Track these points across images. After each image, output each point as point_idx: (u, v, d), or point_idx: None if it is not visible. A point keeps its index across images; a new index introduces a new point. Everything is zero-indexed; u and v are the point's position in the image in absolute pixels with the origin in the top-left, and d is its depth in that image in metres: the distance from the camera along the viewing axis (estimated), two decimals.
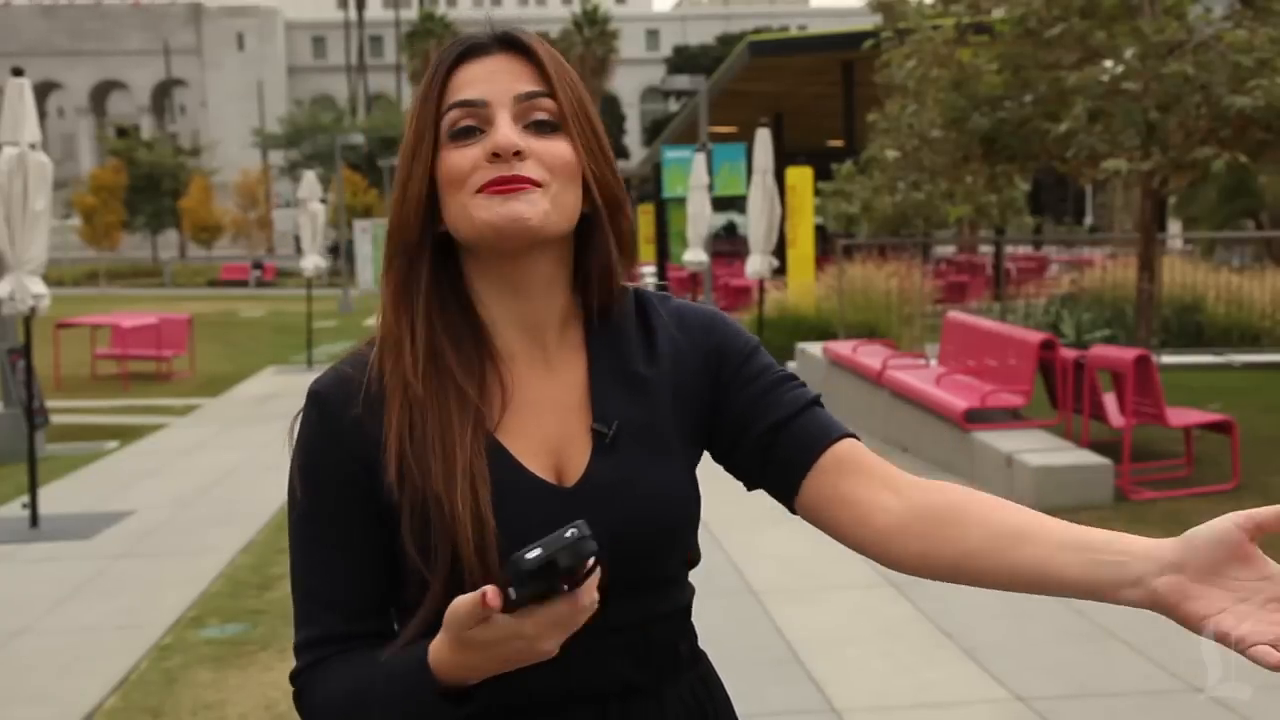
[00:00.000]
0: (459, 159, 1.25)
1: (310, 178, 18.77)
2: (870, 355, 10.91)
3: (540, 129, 1.26)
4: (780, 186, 15.14)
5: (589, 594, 1.09)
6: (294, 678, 1.27)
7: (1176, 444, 8.48)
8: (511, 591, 1.06)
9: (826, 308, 15.29)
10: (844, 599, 5.93)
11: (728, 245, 32.99)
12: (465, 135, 1.25)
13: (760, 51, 22.10)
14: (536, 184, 1.24)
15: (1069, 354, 8.71)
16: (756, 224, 13.80)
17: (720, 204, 20.56)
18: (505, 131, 1.23)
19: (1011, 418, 8.90)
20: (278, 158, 64.77)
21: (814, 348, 12.60)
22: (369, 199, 50.20)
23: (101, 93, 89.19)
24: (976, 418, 8.55)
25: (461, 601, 1.10)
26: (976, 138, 10.83)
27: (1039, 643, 5.27)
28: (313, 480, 1.26)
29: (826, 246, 24.64)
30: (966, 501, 1.23)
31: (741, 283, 22.32)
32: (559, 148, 1.26)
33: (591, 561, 1.07)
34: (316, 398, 1.28)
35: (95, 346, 16.93)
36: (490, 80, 1.26)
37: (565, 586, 1.07)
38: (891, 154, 13.45)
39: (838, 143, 24.49)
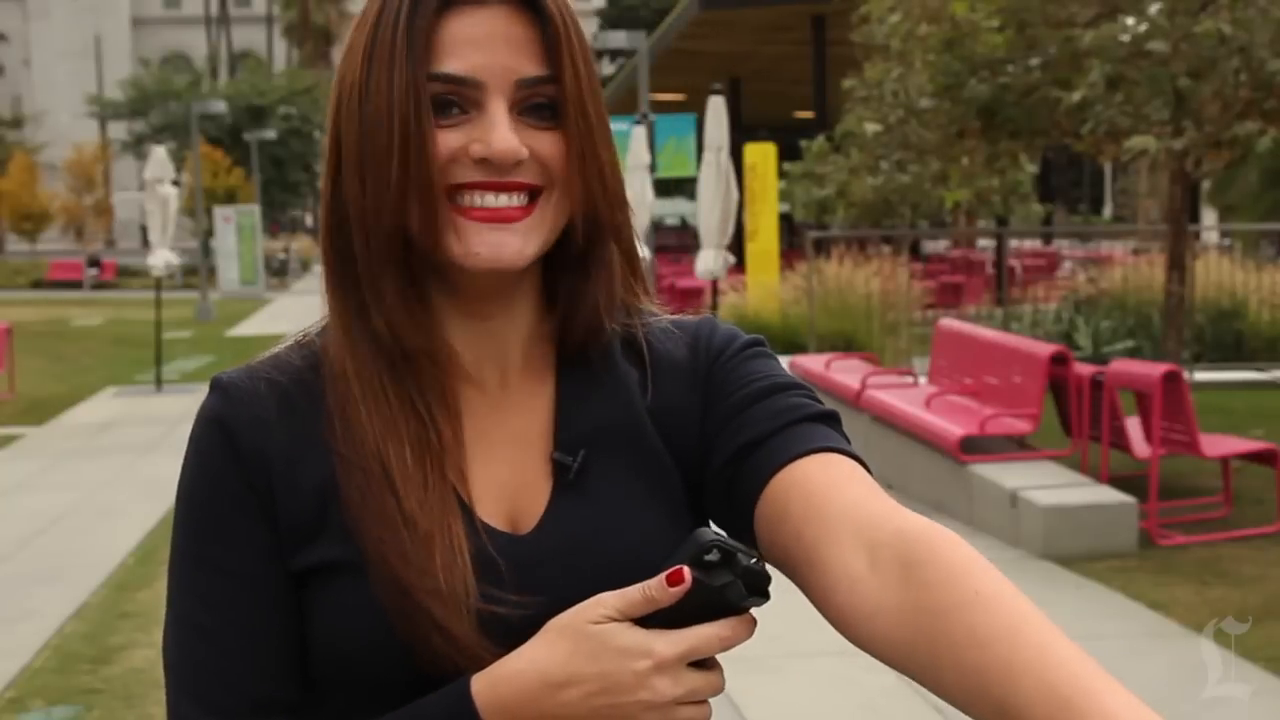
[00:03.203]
0: (437, 144, 1.19)
1: (160, 154, 18.60)
2: (847, 372, 10.98)
3: (538, 116, 1.20)
4: (737, 167, 15.20)
5: (748, 627, 1.12)
6: None
7: (1213, 478, 8.60)
8: (698, 575, 1.06)
9: (794, 314, 15.36)
10: (815, 668, 5.94)
11: (674, 238, 33.05)
12: (441, 112, 1.19)
13: (713, 2, 22.22)
14: (532, 195, 1.20)
15: (1085, 370, 8.81)
16: (709, 212, 13.83)
17: (664, 187, 20.64)
18: (504, 134, 1.18)
19: (1017, 447, 8.99)
20: (119, 130, 64.04)
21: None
22: (233, 180, 49.80)
23: None
24: (975, 447, 8.63)
25: (612, 595, 1.11)
26: (973, 108, 10.94)
27: None
28: (203, 502, 1.22)
29: (794, 240, 24.83)
30: (957, 606, 1.03)
31: (691, 284, 22.36)
32: (558, 144, 1.21)
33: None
34: (223, 392, 1.24)
35: None
36: (488, 49, 1.18)
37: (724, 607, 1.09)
38: (872, 128, 13.55)
39: (807, 114, 24.67)
